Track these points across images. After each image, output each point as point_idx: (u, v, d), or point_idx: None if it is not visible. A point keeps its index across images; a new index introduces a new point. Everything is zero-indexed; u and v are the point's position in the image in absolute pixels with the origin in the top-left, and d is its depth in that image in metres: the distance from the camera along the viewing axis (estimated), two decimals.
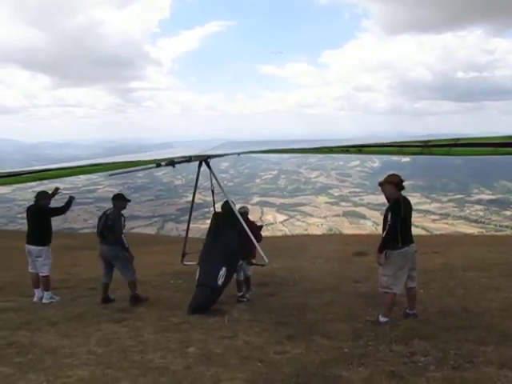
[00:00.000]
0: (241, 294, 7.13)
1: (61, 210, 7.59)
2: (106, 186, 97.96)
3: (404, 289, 5.67)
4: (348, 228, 75.03)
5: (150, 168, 6.55)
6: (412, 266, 5.60)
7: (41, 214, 7.27)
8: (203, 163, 7.01)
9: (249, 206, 8.06)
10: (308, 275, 9.06)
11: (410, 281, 5.64)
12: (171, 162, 6.30)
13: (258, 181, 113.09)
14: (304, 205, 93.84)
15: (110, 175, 7.39)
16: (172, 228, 77.51)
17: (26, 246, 7.25)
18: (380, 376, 3.99)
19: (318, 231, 62.31)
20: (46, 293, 7.30)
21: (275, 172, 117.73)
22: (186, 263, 7.79)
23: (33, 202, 7.41)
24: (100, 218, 7.08)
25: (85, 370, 4.36)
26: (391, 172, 5.81)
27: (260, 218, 77.98)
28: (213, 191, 7.40)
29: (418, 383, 3.86)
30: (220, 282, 6.47)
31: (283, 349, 4.80)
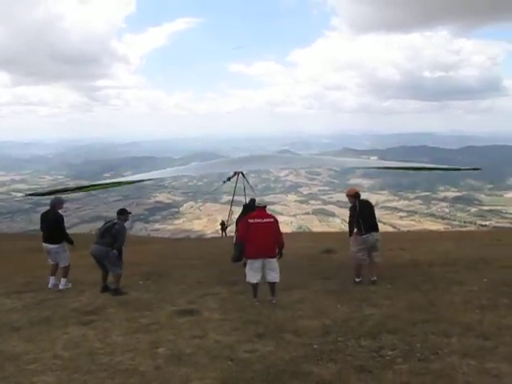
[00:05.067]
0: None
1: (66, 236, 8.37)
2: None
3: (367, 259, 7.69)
4: (317, 226, 75.93)
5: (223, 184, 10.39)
6: (372, 249, 7.61)
7: (57, 219, 8.19)
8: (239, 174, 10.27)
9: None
10: None
11: (371, 258, 7.68)
12: (228, 178, 9.99)
13: None
14: (274, 203, 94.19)
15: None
16: (141, 228, 76.55)
17: (44, 244, 8.22)
18: (349, 371, 4.06)
19: (287, 229, 62.75)
20: (63, 279, 8.21)
21: (245, 171, 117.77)
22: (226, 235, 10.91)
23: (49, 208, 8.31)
24: (105, 223, 7.95)
25: (50, 376, 4.26)
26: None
27: (230, 217, 77.73)
28: (245, 194, 10.47)
29: (385, 376, 3.94)
30: None
31: (253, 347, 4.81)
